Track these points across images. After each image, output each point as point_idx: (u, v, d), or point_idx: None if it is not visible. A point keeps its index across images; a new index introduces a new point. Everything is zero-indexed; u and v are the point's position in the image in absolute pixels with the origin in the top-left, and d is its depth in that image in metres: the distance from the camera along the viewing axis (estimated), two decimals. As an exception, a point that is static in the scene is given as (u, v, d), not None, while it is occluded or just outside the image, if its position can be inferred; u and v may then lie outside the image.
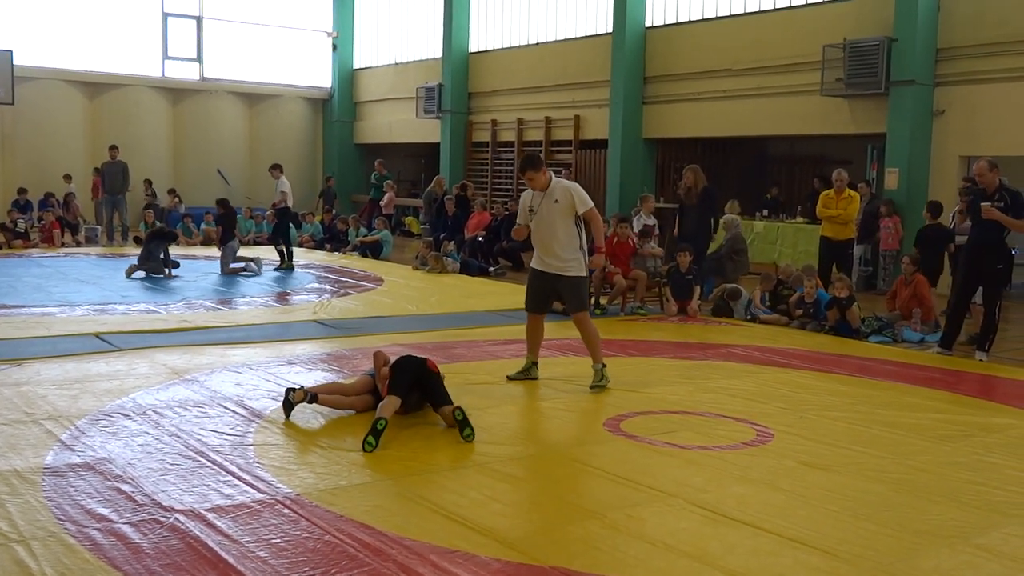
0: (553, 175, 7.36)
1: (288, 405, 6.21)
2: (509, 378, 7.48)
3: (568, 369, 7.97)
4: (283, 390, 6.38)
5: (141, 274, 13.75)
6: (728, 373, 8.08)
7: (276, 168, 15.85)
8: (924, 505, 4.84)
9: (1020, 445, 6.04)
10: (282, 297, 12.25)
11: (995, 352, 9.12)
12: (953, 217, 11.84)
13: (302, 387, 6.36)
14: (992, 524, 4.59)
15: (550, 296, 7.48)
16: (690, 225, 12.14)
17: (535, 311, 7.52)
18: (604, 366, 7.34)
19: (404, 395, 6.00)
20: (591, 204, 7.20)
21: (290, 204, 15.79)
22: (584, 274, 7.29)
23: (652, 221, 13.86)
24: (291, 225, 16.35)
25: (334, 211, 21.37)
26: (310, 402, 6.23)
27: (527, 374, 7.53)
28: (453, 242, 16.41)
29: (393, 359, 6.34)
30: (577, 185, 7.34)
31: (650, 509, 4.71)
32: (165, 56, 24.67)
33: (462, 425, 5.71)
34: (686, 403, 6.86)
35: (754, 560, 4.06)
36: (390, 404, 5.86)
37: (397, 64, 25.33)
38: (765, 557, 4.10)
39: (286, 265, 15.35)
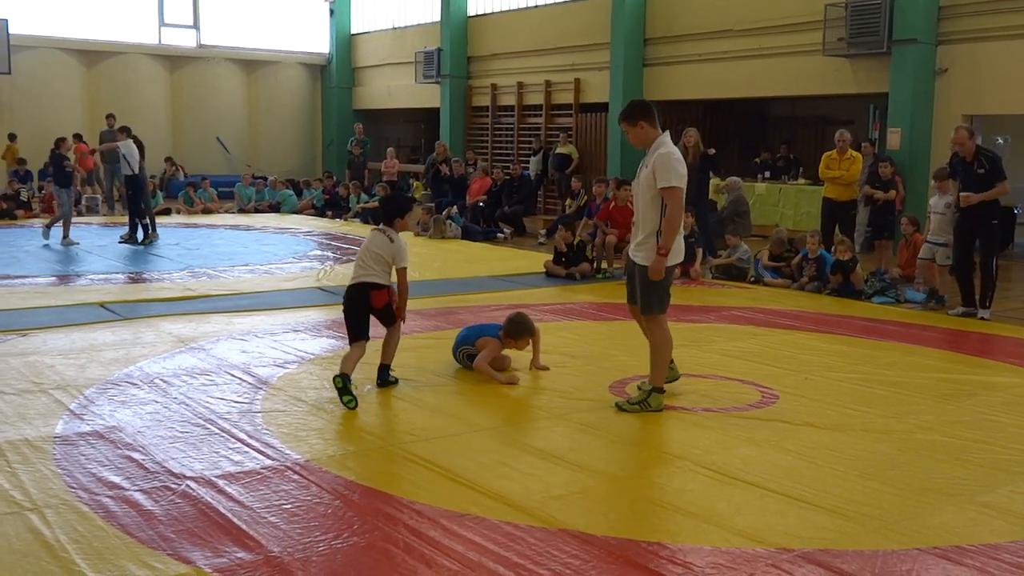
0: (663, 133, 5.70)
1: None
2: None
3: (572, 334, 7.99)
4: (288, 357, 6.40)
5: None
6: (732, 335, 8.10)
7: (125, 131, 13.67)
8: (929, 464, 4.87)
9: (1023, 403, 6.09)
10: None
11: (997, 311, 9.14)
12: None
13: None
14: (997, 482, 4.63)
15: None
16: (689, 189, 12.07)
17: (629, 301, 6.02)
18: (656, 391, 5.73)
19: (361, 336, 5.91)
20: (671, 182, 5.48)
21: (135, 171, 13.73)
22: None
23: None
24: (146, 191, 14.13)
25: (335, 177, 21.23)
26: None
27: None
28: (455, 206, 16.36)
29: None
30: (675, 153, 5.59)
31: (657, 471, 4.76)
32: (162, 23, 24.50)
33: (341, 393, 5.64)
34: (691, 366, 6.87)
35: (761, 520, 4.09)
36: (355, 353, 5.85)
37: (395, 29, 25.13)
38: (772, 517, 4.13)
39: (149, 238, 13.86)
